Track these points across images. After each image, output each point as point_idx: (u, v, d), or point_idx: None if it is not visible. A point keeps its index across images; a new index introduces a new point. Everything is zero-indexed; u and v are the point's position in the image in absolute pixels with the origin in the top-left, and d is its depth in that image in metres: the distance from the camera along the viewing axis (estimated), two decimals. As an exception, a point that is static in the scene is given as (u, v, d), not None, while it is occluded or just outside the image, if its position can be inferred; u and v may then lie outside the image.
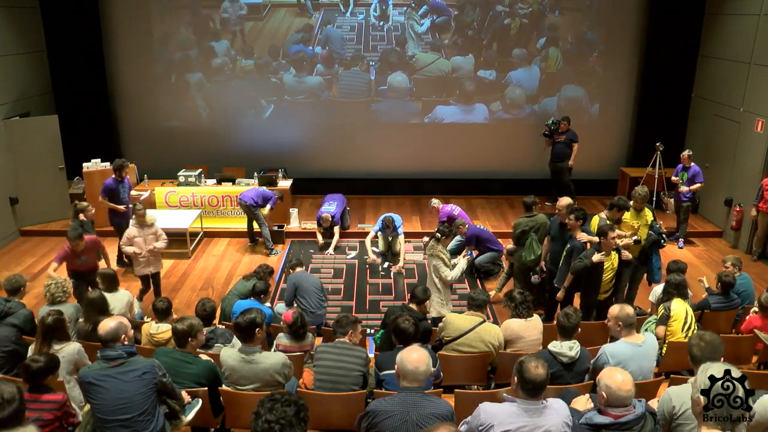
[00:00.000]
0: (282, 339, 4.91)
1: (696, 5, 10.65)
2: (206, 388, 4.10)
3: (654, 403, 3.35)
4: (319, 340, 5.42)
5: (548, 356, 4.21)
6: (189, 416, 3.94)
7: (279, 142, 11.42)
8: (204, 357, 4.33)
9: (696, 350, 3.28)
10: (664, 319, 5.21)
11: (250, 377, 4.03)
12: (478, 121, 11.53)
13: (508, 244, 7.89)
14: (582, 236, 6.16)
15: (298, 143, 11.48)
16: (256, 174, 10.25)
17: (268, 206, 9.15)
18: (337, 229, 9.45)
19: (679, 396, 3.16)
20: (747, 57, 9.35)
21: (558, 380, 4.14)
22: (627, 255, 6.28)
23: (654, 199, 9.82)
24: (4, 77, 9.49)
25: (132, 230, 7.17)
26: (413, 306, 5.22)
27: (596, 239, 6.02)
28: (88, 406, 3.67)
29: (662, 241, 6.82)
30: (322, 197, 10.05)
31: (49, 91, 10.84)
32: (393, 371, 3.42)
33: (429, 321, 5.47)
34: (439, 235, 6.55)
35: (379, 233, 8.91)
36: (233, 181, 10.13)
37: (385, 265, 8.80)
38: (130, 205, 8.21)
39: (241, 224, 9.83)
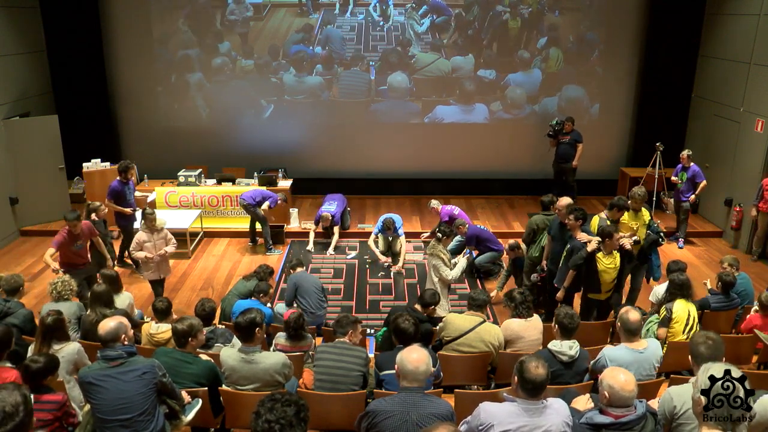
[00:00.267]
0: (280, 338, 4.92)
1: (696, 5, 10.65)
2: (206, 388, 4.10)
3: (654, 403, 3.35)
4: (319, 340, 5.42)
5: (548, 355, 4.21)
6: (189, 416, 3.93)
7: (279, 142, 11.42)
8: (204, 357, 4.33)
9: (703, 348, 3.24)
10: (666, 321, 5.16)
11: (250, 377, 4.03)
12: (478, 121, 11.53)
13: (510, 240, 7.90)
14: (582, 236, 6.15)
15: (298, 143, 11.48)
16: (256, 174, 10.26)
17: (267, 203, 9.13)
18: (337, 229, 9.44)
19: (680, 396, 3.16)
20: (747, 57, 9.35)
21: (557, 379, 4.15)
22: (628, 243, 6.17)
23: (654, 199, 9.82)
24: (4, 77, 9.49)
25: (142, 235, 6.94)
26: (417, 307, 5.22)
27: (596, 239, 6.00)
28: (88, 406, 3.67)
29: (661, 239, 6.82)
30: (322, 197, 10.04)
31: (49, 91, 10.85)
32: (393, 371, 3.42)
33: (429, 324, 5.45)
34: (440, 234, 6.54)
35: (380, 234, 8.92)
36: (233, 181, 10.14)
37: (385, 265, 8.80)
38: (136, 208, 8.20)
39: (241, 224, 9.84)
